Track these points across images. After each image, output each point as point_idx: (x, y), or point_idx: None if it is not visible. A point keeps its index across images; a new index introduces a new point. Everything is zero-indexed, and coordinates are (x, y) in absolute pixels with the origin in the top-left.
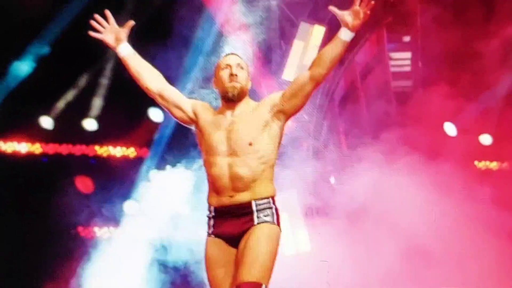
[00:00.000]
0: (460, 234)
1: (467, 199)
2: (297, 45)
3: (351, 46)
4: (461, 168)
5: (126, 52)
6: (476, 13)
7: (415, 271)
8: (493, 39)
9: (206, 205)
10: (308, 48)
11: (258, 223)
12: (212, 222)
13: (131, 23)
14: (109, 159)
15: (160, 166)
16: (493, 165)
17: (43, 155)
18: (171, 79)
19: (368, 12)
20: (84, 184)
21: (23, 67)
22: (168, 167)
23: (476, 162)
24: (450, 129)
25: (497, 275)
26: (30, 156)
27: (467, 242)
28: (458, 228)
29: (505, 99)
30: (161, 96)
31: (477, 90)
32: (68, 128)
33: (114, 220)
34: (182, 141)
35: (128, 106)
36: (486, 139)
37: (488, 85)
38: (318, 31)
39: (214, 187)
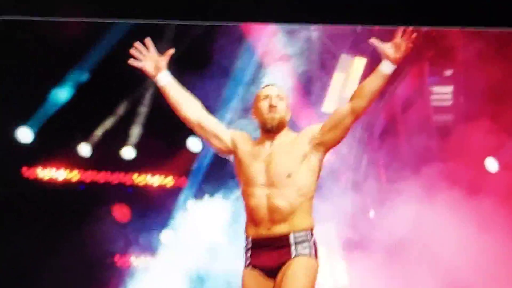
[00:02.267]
0: (501, 272)
1: (508, 237)
2: (337, 77)
3: (392, 79)
4: (502, 205)
5: (166, 80)
6: None
7: None
8: None
9: (244, 236)
10: (348, 81)
11: (295, 256)
12: (249, 253)
13: (171, 51)
14: (146, 188)
15: (198, 196)
16: None
17: (80, 182)
18: (210, 109)
19: (410, 45)
20: (121, 212)
21: (63, 94)
22: (206, 197)
23: None
24: (491, 164)
25: None
26: (67, 184)
27: (508, 280)
28: (498, 266)
29: None
30: (200, 126)
31: None
32: (106, 156)
33: (151, 249)
34: (220, 172)
35: (167, 135)
36: None
37: None
38: (359, 63)
39: (252, 218)
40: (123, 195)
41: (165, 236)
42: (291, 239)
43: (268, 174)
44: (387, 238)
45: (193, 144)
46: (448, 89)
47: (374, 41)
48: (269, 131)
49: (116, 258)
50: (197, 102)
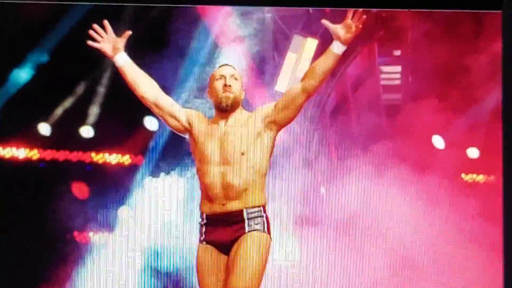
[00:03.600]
0: (447, 246)
1: (454, 211)
2: (290, 57)
3: (342, 59)
4: (449, 181)
5: (123, 61)
6: (466, 29)
7: (403, 282)
8: (481, 54)
9: (199, 212)
10: (300, 61)
11: (249, 231)
12: (204, 229)
13: (128, 33)
14: (104, 166)
15: (154, 173)
16: (480, 178)
17: (41, 160)
18: (167, 88)
19: (360, 26)
20: (80, 190)
21: (23, 75)
22: (162, 174)
23: (463, 175)
24: (438, 142)
25: (482, 286)
26: (28, 162)
27: (453, 253)
28: (444, 240)
29: (493, 114)
30: (157, 105)
31: (465, 104)
32: (65, 134)
33: (108, 225)
34: (176, 150)
35: (124, 114)
36: (473, 153)
37: (476, 100)
38: (311, 44)
39: (207, 195)
40: (82, 172)
41: (123, 212)
42: (245, 215)
43: (222, 152)
44: (337, 214)
45: (150, 123)
46: (397, 68)
47: (325, 22)
48: (224, 110)
49: (75, 234)
50: (154, 82)
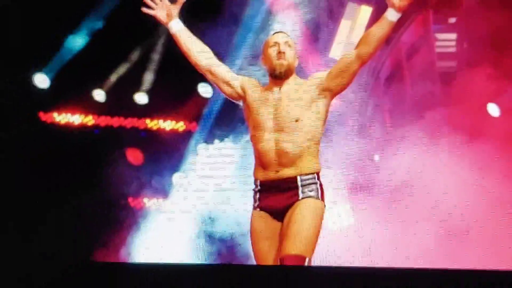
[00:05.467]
0: (500, 215)
1: (509, 180)
2: (344, 24)
3: (397, 27)
4: (503, 149)
5: (177, 28)
6: None
7: (454, 250)
8: None
9: (252, 179)
10: (355, 28)
11: (302, 198)
12: (257, 196)
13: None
14: (159, 132)
15: (208, 140)
16: None
17: (95, 127)
18: (221, 55)
19: None
20: (134, 156)
21: (78, 41)
22: (216, 141)
23: None
24: (493, 110)
25: None
26: (82, 128)
27: (506, 223)
28: (497, 209)
29: None
30: (211, 72)
31: None
32: (120, 101)
33: (163, 191)
34: (230, 116)
35: (178, 81)
36: None
37: None
38: (365, 11)
39: (261, 162)
40: (136, 139)
41: (177, 178)
42: (299, 182)
43: (276, 119)
44: (390, 181)
45: (204, 89)
46: (452, 36)
47: None
48: (278, 77)
49: (130, 199)
50: (208, 49)
